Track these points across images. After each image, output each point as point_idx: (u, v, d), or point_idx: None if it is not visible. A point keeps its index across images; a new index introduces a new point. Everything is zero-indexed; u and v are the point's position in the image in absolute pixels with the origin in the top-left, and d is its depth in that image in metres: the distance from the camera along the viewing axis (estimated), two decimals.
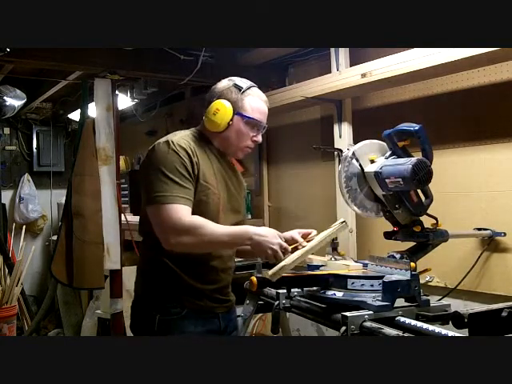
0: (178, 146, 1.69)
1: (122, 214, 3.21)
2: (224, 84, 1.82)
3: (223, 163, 1.85)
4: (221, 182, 1.80)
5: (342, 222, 1.82)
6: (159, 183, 1.65)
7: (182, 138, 1.75)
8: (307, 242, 1.75)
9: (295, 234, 1.76)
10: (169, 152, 1.68)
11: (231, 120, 1.76)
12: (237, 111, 1.77)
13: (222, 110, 1.76)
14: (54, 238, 4.59)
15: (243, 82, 1.82)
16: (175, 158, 1.67)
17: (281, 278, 1.76)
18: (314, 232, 1.80)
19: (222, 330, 1.83)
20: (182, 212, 1.63)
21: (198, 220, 1.65)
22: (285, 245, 1.66)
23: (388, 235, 2.15)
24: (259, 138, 1.83)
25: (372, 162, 2.08)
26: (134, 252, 3.42)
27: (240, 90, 1.79)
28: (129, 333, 3.35)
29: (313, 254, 1.84)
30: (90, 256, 3.23)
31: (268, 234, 1.66)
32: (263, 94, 1.86)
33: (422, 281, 1.80)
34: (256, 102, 1.80)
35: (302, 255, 1.71)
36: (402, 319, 1.62)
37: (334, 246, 2.17)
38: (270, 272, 1.66)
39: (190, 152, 1.70)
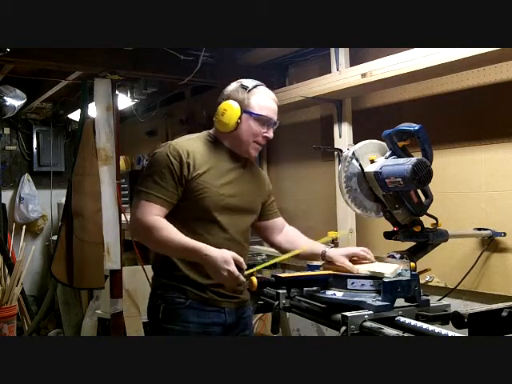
0: (171, 149, 1.76)
1: (122, 214, 3.21)
2: (232, 86, 1.87)
3: (237, 165, 1.87)
4: (230, 182, 1.83)
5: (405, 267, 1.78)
6: (143, 180, 1.77)
7: (184, 140, 1.83)
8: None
9: (346, 262, 1.82)
10: (161, 154, 1.76)
11: (239, 119, 1.80)
12: (244, 109, 1.80)
13: (229, 109, 1.80)
14: (54, 237, 4.59)
15: (249, 82, 1.85)
16: (164, 159, 1.75)
17: (281, 278, 1.77)
18: (370, 257, 1.88)
19: (229, 325, 1.83)
20: (148, 209, 1.71)
21: (160, 223, 1.70)
22: (236, 273, 1.59)
23: (388, 235, 2.15)
24: (270, 134, 1.85)
25: (372, 162, 2.08)
26: (134, 252, 3.42)
27: (246, 89, 1.82)
28: (129, 333, 3.37)
29: None
30: (89, 256, 3.23)
31: (218, 258, 1.60)
32: (271, 91, 1.88)
33: (421, 281, 1.80)
34: (263, 99, 1.83)
35: None
36: (402, 319, 1.62)
37: (334, 247, 2.17)
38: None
39: (184, 154, 1.75)
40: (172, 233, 1.69)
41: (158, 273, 1.87)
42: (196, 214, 1.77)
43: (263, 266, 1.78)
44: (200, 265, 1.73)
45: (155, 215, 1.71)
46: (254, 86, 1.84)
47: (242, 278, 1.61)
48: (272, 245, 2.05)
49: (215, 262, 1.60)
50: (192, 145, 1.80)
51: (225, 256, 1.61)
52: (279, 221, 2.06)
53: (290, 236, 2.03)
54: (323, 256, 1.89)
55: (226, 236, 1.79)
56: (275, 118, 1.86)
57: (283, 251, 2.03)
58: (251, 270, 1.69)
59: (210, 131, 1.91)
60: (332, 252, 1.88)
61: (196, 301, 1.78)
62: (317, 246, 1.94)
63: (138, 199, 1.74)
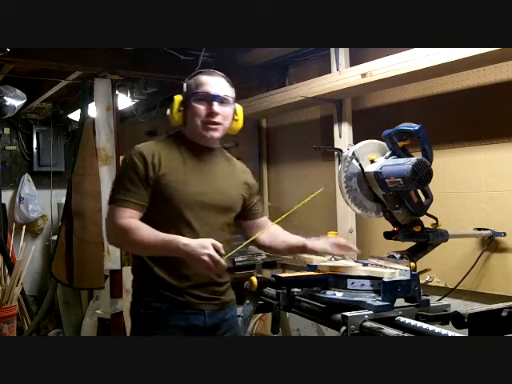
0: (136, 152, 1.74)
1: None
2: None
3: (207, 161, 1.83)
4: (200, 179, 1.78)
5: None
6: (114, 187, 1.77)
7: (149, 143, 1.80)
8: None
9: (330, 249, 1.80)
10: (127, 158, 1.76)
11: (182, 107, 1.79)
12: (187, 97, 1.79)
13: (172, 103, 1.80)
14: (54, 237, 4.59)
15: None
16: (130, 163, 1.73)
17: (281, 278, 1.77)
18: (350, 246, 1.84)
19: (209, 327, 1.78)
20: (120, 214, 1.69)
21: (133, 224, 1.67)
22: (217, 257, 1.54)
23: (388, 235, 2.15)
24: (214, 109, 1.75)
25: (372, 162, 2.08)
26: None
27: (188, 79, 1.83)
28: (129, 333, 3.37)
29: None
30: (89, 256, 3.24)
31: (196, 245, 1.57)
32: (215, 71, 1.84)
33: (421, 281, 1.81)
34: (200, 78, 1.79)
35: None
36: (402, 319, 1.62)
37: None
38: None
39: (148, 155, 1.72)
40: (147, 230, 1.66)
41: (136, 277, 1.84)
42: (167, 215, 1.73)
43: (239, 248, 1.72)
44: (176, 267, 1.70)
45: (128, 218, 1.68)
46: (197, 73, 1.82)
47: (223, 261, 1.55)
48: (256, 244, 1.97)
49: (194, 249, 1.56)
50: (157, 146, 1.77)
51: (203, 242, 1.58)
52: (263, 220, 2.00)
53: (272, 232, 1.95)
54: (305, 249, 1.84)
55: (198, 237, 1.69)
56: (218, 91, 1.76)
57: (266, 248, 1.99)
58: (230, 254, 1.64)
59: (178, 131, 1.87)
60: (313, 243, 1.82)
61: (173, 305, 1.74)
62: (299, 240, 1.88)
63: (111, 206, 1.73)
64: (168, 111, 1.82)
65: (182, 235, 1.66)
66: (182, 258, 1.60)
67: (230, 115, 1.82)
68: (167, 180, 1.72)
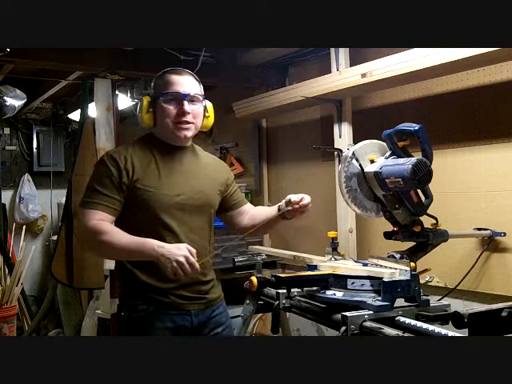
0: (109, 157, 1.75)
1: None
2: None
3: (180, 161, 1.82)
4: (174, 181, 1.77)
5: None
6: (85, 191, 1.75)
7: (120, 148, 1.82)
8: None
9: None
10: (100, 163, 1.76)
11: (151, 108, 1.79)
12: (156, 97, 1.78)
13: (141, 104, 1.80)
14: (54, 238, 4.59)
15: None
16: (102, 168, 1.73)
17: (281, 278, 1.77)
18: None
19: (195, 326, 1.78)
20: (90, 216, 1.67)
21: (102, 226, 1.65)
22: (192, 259, 1.55)
23: (388, 235, 2.15)
24: (185, 108, 1.75)
25: (372, 162, 2.08)
26: None
27: (155, 79, 1.82)
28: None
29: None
30: (90, 256, 3.23)
31: (171, 247, 1.58)
32: (183, 69, 1.83)
33: (421, 281, 1.81)
34: (168, 78, 1.79)
35: None
36: (402, 319, 1.62)
37: (334, 247, 2.17)
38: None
39: (120, 161, 1.72)
40: (119, 233, 1.64)
41: (121, 282, 1.83)
42: (144, 220, 1.72)
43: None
44: (158, 270, 1.66)
45: (98, 220, 1.66)
46: (163, 72, 1.81)
47: (197, 264, 1.55)
48: (240, 230, 1.96)
49: (169, 251, 1.56)
50: (129, 150, 1.77)
51: (178, 245, 1.59)
52: (247, 207, 1.99)
53: (252, 213, 1.95)
54: (281, 211, 1.84)
55: (178, 238, 1.72)
56: (188, 90, 1.77)
57: (250, 232, 1.93)
58: (205, 259, 1.65)
59: (150, 133, 1.87)
60: (282, 203, 1.84)
61: (158, 306, 1.73)
62: (273, 209, 1.89)
63: (81, 209, 1.71)
64: (137, 112, 1.82)
65: (161, 238, 1.66)
66: (156, 260, 1.58)
67: (200, 113, 1.82)
68: (142, 184, 1.72)
